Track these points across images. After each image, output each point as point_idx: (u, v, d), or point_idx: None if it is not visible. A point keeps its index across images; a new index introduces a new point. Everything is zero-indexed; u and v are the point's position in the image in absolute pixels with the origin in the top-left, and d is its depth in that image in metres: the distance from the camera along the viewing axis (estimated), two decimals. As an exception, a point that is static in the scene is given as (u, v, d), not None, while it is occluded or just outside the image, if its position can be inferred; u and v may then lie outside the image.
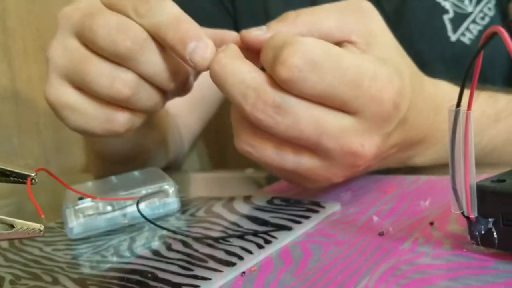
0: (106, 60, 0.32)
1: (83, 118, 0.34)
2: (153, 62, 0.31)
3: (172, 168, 0.53)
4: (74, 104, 0.33)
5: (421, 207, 0.30)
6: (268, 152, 0.30)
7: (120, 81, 0.32)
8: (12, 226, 0.23)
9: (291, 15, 0.31)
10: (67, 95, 0.33)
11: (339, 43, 0.31)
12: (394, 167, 0.37)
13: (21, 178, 0.26)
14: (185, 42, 0.30)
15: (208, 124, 0.65)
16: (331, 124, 0.28)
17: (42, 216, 0.24)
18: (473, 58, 0.20)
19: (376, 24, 0.31)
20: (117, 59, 0.31)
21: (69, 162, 0.76)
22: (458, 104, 0.22)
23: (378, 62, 0.29)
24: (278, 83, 0.28)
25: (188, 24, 0.30)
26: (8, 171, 0.26)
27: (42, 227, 0.23)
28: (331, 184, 0.32)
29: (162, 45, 0.31)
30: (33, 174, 0.26)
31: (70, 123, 0.34)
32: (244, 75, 0.28)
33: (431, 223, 0.27)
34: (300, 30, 0.30)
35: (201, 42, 0.30)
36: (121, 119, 0.34)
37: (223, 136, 0.84)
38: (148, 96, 0.33)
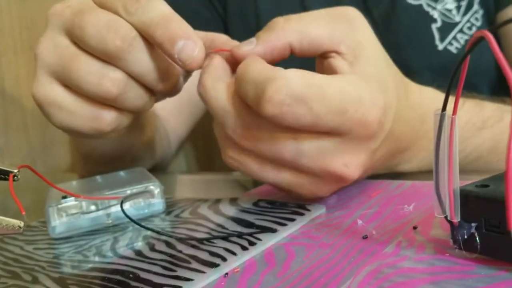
0: (95, 58, 0.31)
1: (69, 116, 0.33)
2: (142, 61, 0.31)
3: (158, 170, 0.53)
4: (61, 101, 0.33)
5: (405, 212, 0.30)
6: (252, 168, 0.31)
7: (108, 80, 0.31)
8: (-9, 222, 0.23)
9: (279, 21, 0.31)
10: (55, 93, 0.33)
11: (327, 53, 0.31)
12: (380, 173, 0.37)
13: (3, 175, 0.26)
14: (174, 40, 0.30)
15: (196, 127, 0.65)
16: (309, 146, 0.29)
17: (23, 213, 0.24)
18: (459, 62, 0.20)
19: (364, 34, 0.31)
20: (106, 57, 0.31)
21: (56, 161, 0.75)
22: (444, 109, 0.22)
23: (362, 83, 0.29)
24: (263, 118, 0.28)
25: (177, 22, 0.30)
26: (-10, 168, 0.25)
27: (21, 224, 0.23)
28: (317, 197, 0.32)
29: (152, 44, 0.31)
30: (15, 171, 0.26)
31: (56, 121, 0.34)
32: (224, 102, 0.30)
33: (415, 227, 0.27)
34: (290, 39, 0.30)
35: (190, 40, 0.30)
36: (108, 118, 0.33)
37: (210, 139, 0.84)
38: (136, 96, 0.33)
